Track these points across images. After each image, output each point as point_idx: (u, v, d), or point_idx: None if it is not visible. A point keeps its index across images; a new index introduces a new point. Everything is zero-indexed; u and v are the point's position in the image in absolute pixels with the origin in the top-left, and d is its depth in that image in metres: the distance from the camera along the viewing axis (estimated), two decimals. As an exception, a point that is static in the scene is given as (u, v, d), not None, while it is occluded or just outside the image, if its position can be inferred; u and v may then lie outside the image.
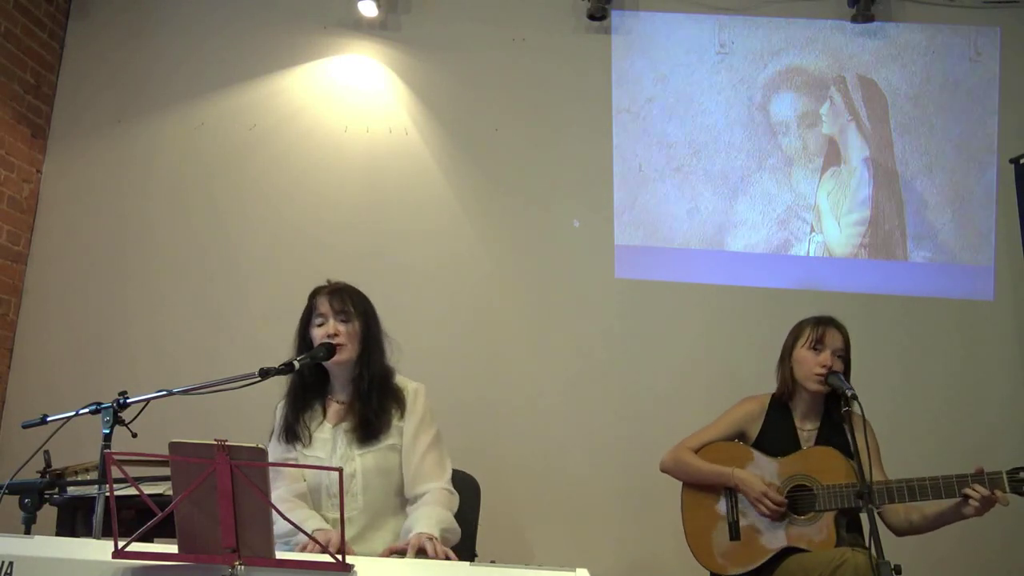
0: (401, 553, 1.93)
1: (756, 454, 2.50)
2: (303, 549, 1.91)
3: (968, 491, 2.19)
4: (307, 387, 2.25)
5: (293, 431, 2.21)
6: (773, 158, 3.94)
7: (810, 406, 2.52)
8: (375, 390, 2.20)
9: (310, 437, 2.21)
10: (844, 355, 2.48)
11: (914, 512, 2.37)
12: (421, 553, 1.90)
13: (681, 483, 2.60)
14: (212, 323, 3.96)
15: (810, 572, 2.21)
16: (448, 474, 2.21)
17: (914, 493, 2.25)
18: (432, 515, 2.04)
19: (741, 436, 2.59)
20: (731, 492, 2.49)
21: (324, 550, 1.60)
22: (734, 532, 2.46)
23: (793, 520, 2.39)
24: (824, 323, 2.51)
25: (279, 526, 1.65)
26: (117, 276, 4.04)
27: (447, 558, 1.89)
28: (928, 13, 4.00)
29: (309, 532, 1.78)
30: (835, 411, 2.47)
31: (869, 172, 3.91)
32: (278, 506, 1.52)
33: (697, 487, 2.55)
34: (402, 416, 2.22)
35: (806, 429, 2.51)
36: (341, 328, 2.19)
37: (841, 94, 3.97)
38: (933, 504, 2.32)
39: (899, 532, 2.40)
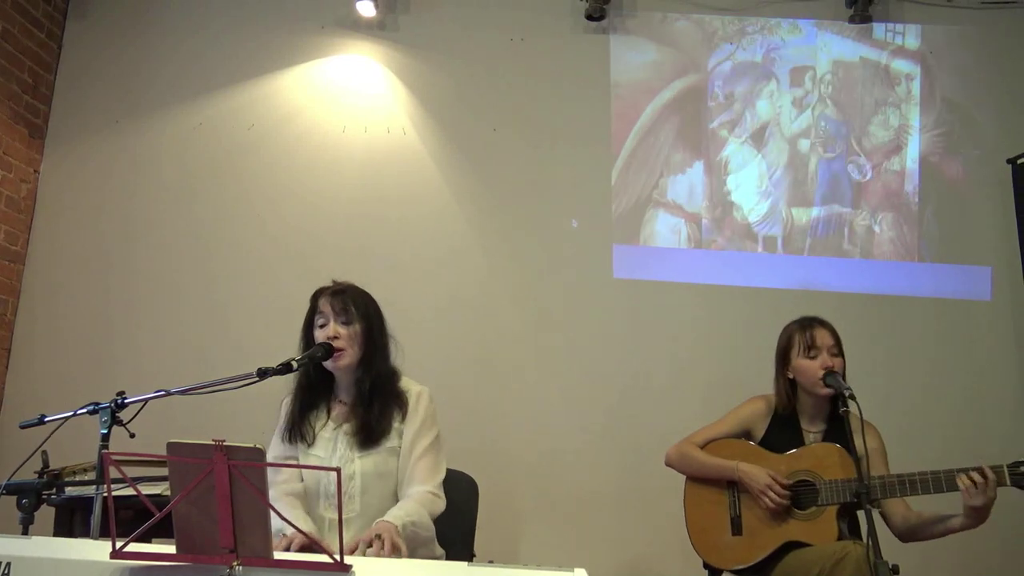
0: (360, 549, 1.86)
1: (759, 450, 2.50)
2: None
3: (960, 479, 2.18)
4: (313, 386, 2.23)
5: (298, 430, 2.19)
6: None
7: (816, 409, 2.51)
8: (377, 393, 2.18)
9: (314, 436, 2.19)
10: (838, 351, 2.47)
11: (912, 515, 2.37)
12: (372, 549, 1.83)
13: (684, 478, 2.59)
14: (210, 322, 3.95)
15: (811, 566, 2.20)
16: (438, 479, 2.17)
17: (915, 486, 2.25)
18: (403, 507, 2.02)
19: (747, 435, 2.58)
20: (734, 486, 2.49)
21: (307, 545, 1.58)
22: (736, 527, 2.46)
23: (795, 515, 2.39)
24: (809, 325, 2.49)
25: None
26: (114, 276, 4.04)
27: (395, 549, 1.83)
28: (927, 13, 4.00)
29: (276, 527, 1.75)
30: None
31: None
32: None
33: (700, 481, 2.55)
34: (403, 419, 2.19)
35: (812, 431, 2.50)
36: (342, 331, 2.16)
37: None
38: (931, 510, 2.33)
39: (901, 536, 2.39)
